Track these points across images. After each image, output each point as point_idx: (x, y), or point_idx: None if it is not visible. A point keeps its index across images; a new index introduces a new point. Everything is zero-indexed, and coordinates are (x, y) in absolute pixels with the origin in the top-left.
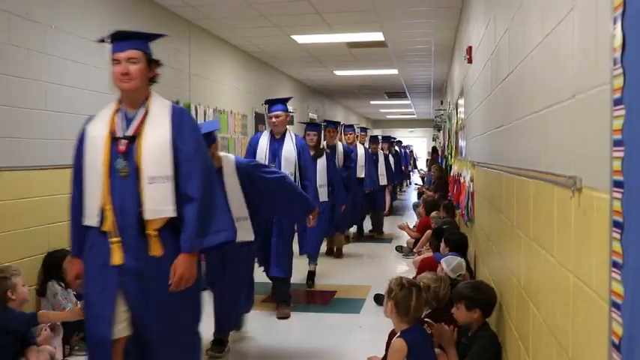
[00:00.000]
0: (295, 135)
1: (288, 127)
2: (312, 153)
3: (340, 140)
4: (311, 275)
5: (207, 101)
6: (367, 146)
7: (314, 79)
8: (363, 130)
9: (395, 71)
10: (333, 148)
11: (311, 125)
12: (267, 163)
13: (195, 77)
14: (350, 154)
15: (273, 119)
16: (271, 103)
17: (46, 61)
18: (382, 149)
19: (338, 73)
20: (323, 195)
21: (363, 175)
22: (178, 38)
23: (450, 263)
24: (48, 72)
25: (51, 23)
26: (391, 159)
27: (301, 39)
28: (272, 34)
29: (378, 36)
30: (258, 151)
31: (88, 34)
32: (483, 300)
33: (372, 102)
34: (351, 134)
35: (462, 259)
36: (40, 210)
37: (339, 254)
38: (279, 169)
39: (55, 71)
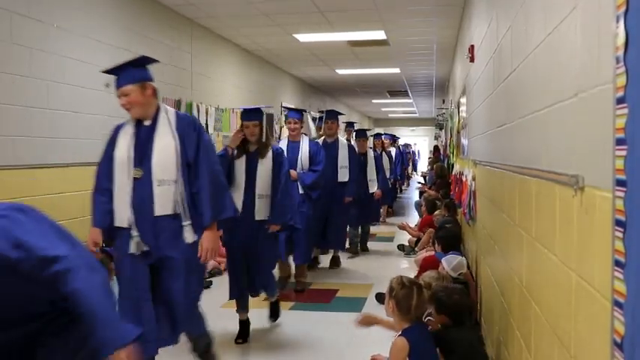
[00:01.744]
0: (177, 112)
1: (162, 104)
2: (251, 149)
3: (319, 136)
4: (274, 309)
5: (209, 100)
6: (351, 141)
7: (316, 77)
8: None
9: (397, 70)
10: (296, 145)
11: (248, 113)
12: (130, 169)
13: (197, 76)
14: (318, 152)
15: (122, 99)
16: (118, 71)
17: (48, 59)
18: (375, 148)
19: (340, 71)
20: (262, 211)
21: (346, 179)
22: (180, 37)
23: (450, 262)
24: (50, 70)
25: (53, 22)
26: (385, 159)
27: (303, 37)
28: (274, 32)
29: (380, 35)
30: (118, 147)
31: (90, 32)
32: (452, 306)
33: (373, 100)
34: (332, 123)
35: (463, 258)
36: (44, 209)
37: (301, 288)
38: (150, 177)
39: (57, 70)
